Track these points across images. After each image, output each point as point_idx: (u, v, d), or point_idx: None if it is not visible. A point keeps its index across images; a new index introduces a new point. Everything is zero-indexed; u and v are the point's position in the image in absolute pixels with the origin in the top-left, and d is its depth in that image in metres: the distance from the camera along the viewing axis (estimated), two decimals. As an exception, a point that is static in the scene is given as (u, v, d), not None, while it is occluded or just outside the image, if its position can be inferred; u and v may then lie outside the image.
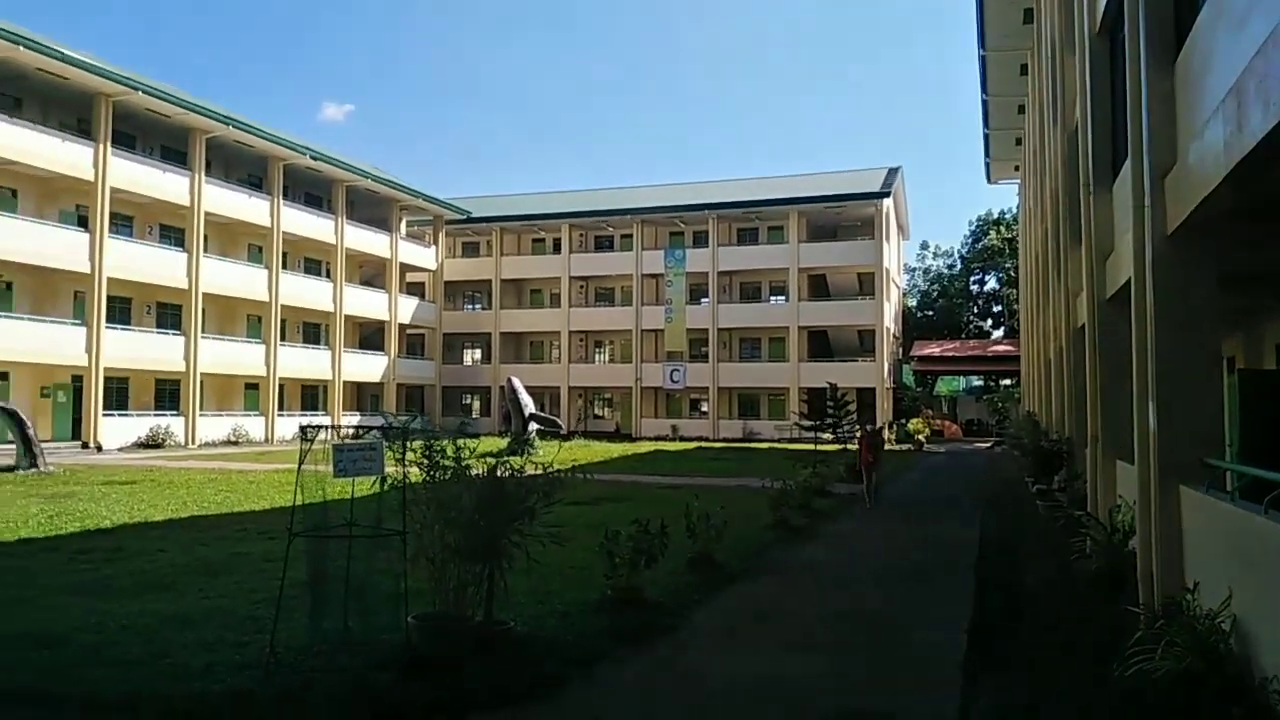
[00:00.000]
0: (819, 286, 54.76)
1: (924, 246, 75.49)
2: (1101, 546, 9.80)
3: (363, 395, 51.16)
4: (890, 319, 52.85)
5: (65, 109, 34.87)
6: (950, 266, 74.38)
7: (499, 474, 6.98)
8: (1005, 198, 77.45)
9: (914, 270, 74.36)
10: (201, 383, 38.46)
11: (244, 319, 42.99)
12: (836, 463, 21.20)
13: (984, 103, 34.01)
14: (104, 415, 34.03)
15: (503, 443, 28.90)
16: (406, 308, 52.33)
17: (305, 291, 44.80)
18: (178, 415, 37.66)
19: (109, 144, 33.97)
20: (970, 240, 72.73)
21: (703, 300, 52.77)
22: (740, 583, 10.10)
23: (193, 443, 37.28)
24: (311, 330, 47.61)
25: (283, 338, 43.15)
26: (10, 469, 22.33)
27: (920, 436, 43.61)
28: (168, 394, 38.89)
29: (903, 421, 48.09)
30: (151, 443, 35.47)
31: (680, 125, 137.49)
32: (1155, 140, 7.72)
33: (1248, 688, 5.34)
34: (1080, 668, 6.71)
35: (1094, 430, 12.80)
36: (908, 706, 6.10)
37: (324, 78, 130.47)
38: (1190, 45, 7.33)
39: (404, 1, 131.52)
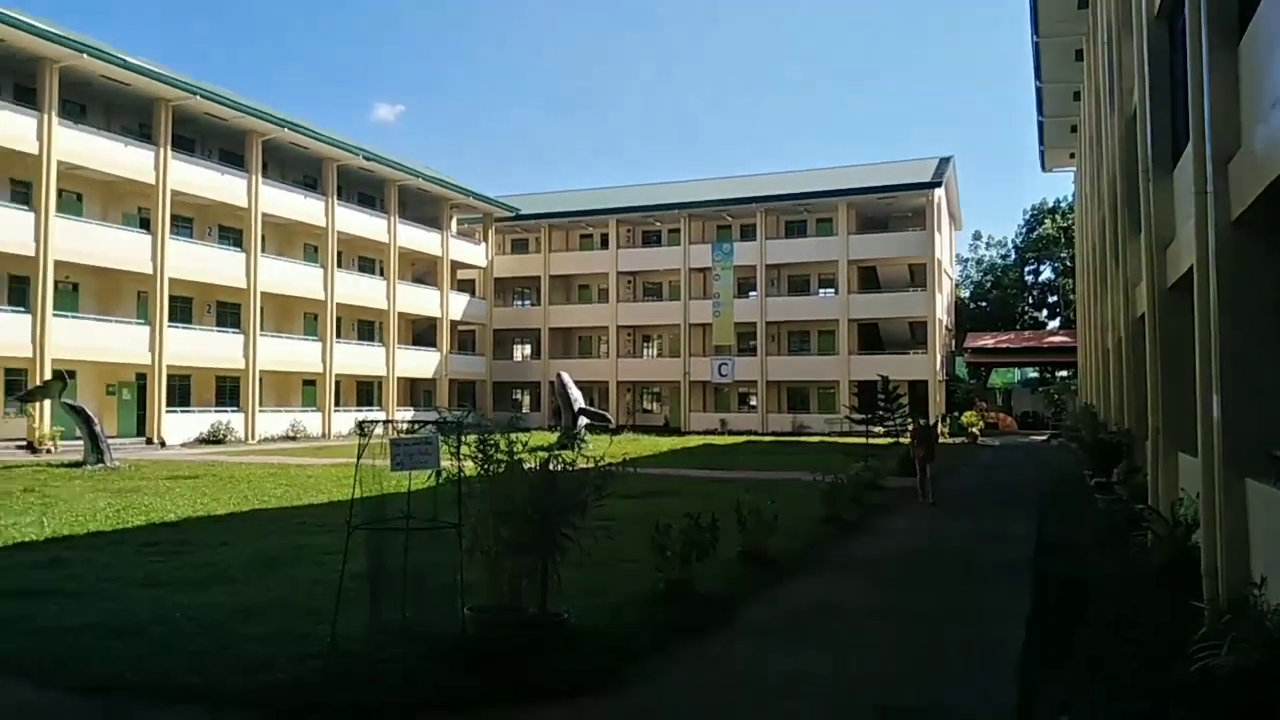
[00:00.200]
0: (869, 278, 54.12)
1: (977, 237, 74.53)
2: (1164, 540, 9.61)
3: (415, 391, 51.88)
4: (942, 310, 52.06)
5: (127, 114, 35.80)
6: (1004, 256, 73.30)
7: (551, 467, 7.05)
8: (1060, 186, 76.32)
9: (967, 261, 73.39)
10: (260, 379, 39.30)
11: (301, 317, 43.83)
12: (889, 456, 21.01)
13: (1038, 90, 33.26)
14: (167, 412, 34.97)
15: (553, 437, 29.18)
16: (458, 304, 52.90)
17: (359, 289, 45.51)
18: (238, 411, 38.52)
19: (169, 148, 34.80)
20: (1024, 230, 71.53)
21: (750, 294, 52.42)
22: (793, 577, 10.06)
23: (252, 438, 38.15)
24: (366, 327, 48.35)
25: (338, 335, 43.89)
26: (79, 464, 23.05)
27: (974, 430, 43.00)
28: (228, 391, 39.85)
29: (956, 414, 47.41)
30: (213, 438, 36.32)
31: (729, 118, 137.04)
32: (1217, 125, 7.52)
33: (1318, 685, 5.20)
34: (1143, 664, 6.58)
35: (1155, 422, 12.56)
36: (965, 702, 6.05)
37: (375, 79, 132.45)
38: (1255, 27, 7.12)
39: (453, 1, 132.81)
